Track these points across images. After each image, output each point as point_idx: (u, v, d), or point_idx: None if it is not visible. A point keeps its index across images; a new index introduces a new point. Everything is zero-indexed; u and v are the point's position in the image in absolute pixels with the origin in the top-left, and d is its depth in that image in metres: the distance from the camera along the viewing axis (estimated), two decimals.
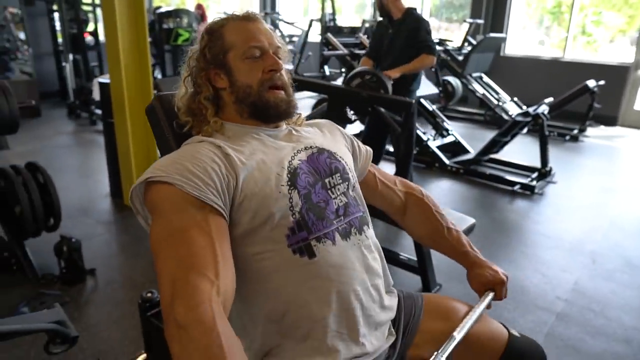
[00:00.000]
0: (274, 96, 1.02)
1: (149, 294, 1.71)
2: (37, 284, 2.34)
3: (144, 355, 1.78)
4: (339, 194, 1.00)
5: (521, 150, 4.82)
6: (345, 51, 4.64)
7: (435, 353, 0.90)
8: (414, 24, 3.15)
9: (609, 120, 6.37)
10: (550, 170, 4.05)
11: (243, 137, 1.01)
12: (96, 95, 4.36)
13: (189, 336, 0.67)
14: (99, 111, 5.41)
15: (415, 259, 2.42)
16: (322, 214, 0.94)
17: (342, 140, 1.17)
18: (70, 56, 6.09)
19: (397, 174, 3.65)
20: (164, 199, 0.84)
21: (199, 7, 7.36)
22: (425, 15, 8.82)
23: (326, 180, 1.00)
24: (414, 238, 1.29)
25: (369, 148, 1.24)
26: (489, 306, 1.11)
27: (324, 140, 1.10)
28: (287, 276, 0.90)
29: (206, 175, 0.86)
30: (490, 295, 1.11)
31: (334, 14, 8.01)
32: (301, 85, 3.30)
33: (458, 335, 0.96)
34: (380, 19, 3.39)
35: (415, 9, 3.25)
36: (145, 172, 0.88)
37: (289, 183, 0.93)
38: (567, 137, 5.58)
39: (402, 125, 2.72)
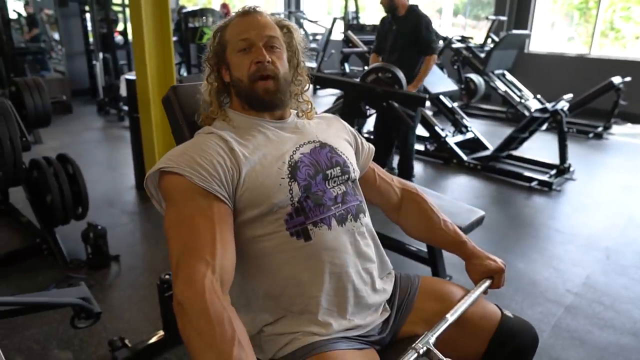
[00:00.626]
0: (261, 87, 1.06)
1: (167, 276, 1.83)
2: (65, 268, 2.49)
3: (162, 333, 1.90)
4: (337, 184, 1.07)
5: (542, 148, 4.78)
6: (365, 48, 4.70)
7: (426, 333, 0.93)
8: (415, 20, 3.28)
9: (636, 117, 6.22)
10: (569, 167, 4.01)
11: (249, 129, 1.08)
12: (123, 91, 4.55)
13: (184, 310, 0.78)
14: (126, 108, 5.62)
15: (425, 250, 2.46)
16: (319, 201, 1.02)
17: (345, 136, 1.23)
18: (101, 55, 6.32)
19: (400, 163, 3.72)
20: (175, 189, 0.95)
21: (224, 6, 7.52)
22: (449, 13, 8.78)
23: (327, 172, 1.06)
24: (409, 234, 1.32)
25: (371, 146, 1.30)
26: (485, 292, 1.15)
27: (328, 135, 1.16)
28: (285, 257, 0.99)
29: (212, 168, 0.95)
30: (488, 282, 1.15)
31: (357, 12, 8.06)
32: (318, 81, 3.38)
33: (451, 317, 0.99)
34: (384, 15, 3.49)
35: (416, 6, 3.36)
36: (159, 161, 0.98)
37: (289, 176, 1.00)
38: (591, 135, 5.49)
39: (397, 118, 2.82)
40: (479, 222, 2.25)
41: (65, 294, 1.59)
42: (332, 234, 1.01)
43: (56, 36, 7.31)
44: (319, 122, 1.21)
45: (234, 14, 1.15)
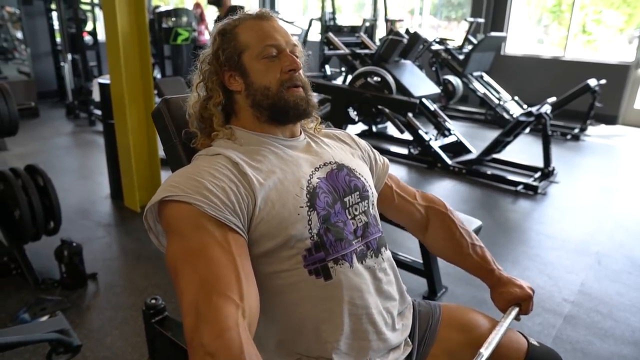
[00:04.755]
0: (294, 95, 0.97)
1: (153, 301, 1.68)
2: (37, 289, 2.30)
3: None
4: (358, 213, 0.98)
5: (523, 150, 4.80)
6: (347, 51, 4.61)
7: None
8: None
9: (610, 119, 6.35)
10: (553, 170, 4.03)
11: (259, 149, 0.96)
12: (96, 96, 4.32)
13: None
14: (97, 111, 5.37)
15: (421, 261, 2.39)
16: (340, 235, 0.92)
17: (360, 153, 1.13)
18: (69, 56, 6.04)
19: None
20: (182, 219, 0.81)
21: (197, 6, 7.31)
22: (425, 14, 8.79)
23: (345, 199, 0.97)
24: (436, 254, 1.23)
25: (386, 160, 1.20)
26: (516, 318, 1.07)
27: (344, 155, 1.06)
28: (301, 296, 0.89)
29: (224, 195, 0.83)
30: (516, 309, 1.07)
31: (334, 13, 7.97)
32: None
33: (485, 351, 0.91)
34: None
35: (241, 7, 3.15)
36: (160, 189, 0.85)
37: (308, 204, 0.90)
38: (569, 136, 5.56)
39: None
40: (476, 232, 2.19)
41: (40, 327, 1.44)
42: (353, 272, 0.91)
43: (19, 35, 6.96)
44: (332, 140, 1.10)
45: (241, 14, 1.01)
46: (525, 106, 5.83)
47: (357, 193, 0.99)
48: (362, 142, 1.17)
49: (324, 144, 1.07)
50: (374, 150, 1.19)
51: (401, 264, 2.45)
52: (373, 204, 1.03)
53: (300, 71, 0.99)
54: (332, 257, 0.89)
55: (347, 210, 0.96)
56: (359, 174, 1.03)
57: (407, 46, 4.77)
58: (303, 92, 0.99)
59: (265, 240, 0.87)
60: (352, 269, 0.91)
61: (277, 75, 0.96)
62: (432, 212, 1.20)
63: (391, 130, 5.22)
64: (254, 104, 0.98)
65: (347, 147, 1.11)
